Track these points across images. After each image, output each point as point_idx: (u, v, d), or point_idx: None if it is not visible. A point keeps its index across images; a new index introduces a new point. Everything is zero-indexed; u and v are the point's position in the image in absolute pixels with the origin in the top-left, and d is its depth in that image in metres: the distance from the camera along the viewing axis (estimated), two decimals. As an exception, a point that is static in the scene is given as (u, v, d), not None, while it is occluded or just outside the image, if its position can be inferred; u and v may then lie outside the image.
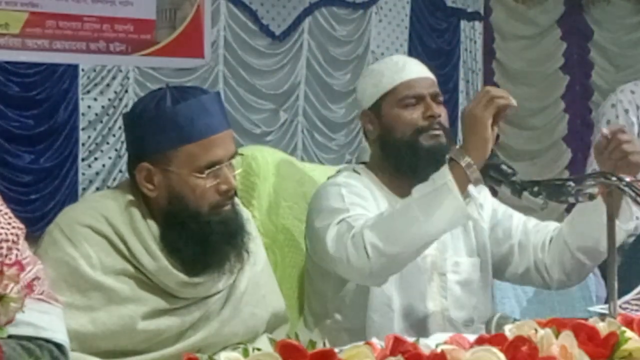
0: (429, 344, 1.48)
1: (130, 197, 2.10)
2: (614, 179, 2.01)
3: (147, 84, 5.99)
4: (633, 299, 2.39)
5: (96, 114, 6.00)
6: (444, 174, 2.16)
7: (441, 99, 2.50)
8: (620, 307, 2.05)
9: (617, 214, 2.29)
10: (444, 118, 2.46)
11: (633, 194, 1.99)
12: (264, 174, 2.61)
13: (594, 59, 8.02)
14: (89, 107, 5.98)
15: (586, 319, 1.64)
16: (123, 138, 5.32)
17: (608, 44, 8.03)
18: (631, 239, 2.95)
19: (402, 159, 2.44)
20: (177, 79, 6.03)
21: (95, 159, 6.02)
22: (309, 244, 2.47)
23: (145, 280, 2.06)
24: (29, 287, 1.67)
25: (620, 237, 2.31)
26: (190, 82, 6.04)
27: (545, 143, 7.85)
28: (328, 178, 2.52)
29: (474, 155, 2.15)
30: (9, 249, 1.71)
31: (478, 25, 7.62)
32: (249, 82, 6.53)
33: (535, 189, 2.10)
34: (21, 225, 1.78)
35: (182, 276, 2.06)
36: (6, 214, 1.77)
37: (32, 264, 1.78)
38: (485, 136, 2.15)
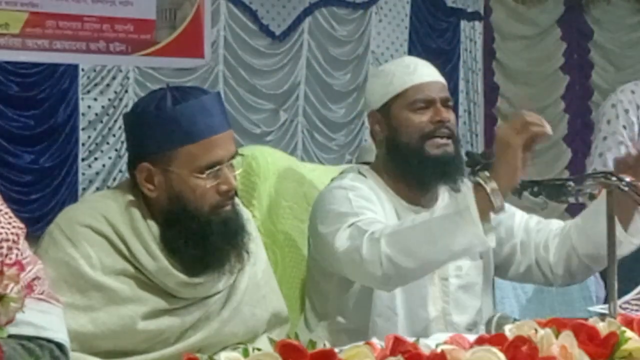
0: (429, 344, 1.48)
1: (130, 197, 2.10)
2: (614, 179, 2.01)
3: (147, 84, 5.99)
4: (633, 299, 2.39)
5: (96, 114, 6.00)
6: (468, 198, 2.10)
7: (451, 103, 2.49)
8: (620, 307, 2.06)
9: (627, 226, 2.29)
10: (452, 123, 2.44)
11: (633, 194, 1.99)
12: (264, 174, 2.61)
13: (594, 59, 8.03)
14: (89, 107, 5.98)
15: (586, 319, 1.64)
16: (123, 138, 5.34)
17: (608, 44, 8.03)
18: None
19: (407, 165, 2.42)
20: (177, 79, 6.03)
21: (95, 159, 6.02)
22: (314, 246, 2.46)
23: (145, 281, 2.06)
24: (29, 287, 1.67)
25: (629, 249, 2.31)
26: (190, 82, 6.04)
27: (545, 143, 7.84)
28: (332, 180, 2.50)
29: (501, 182, 2.08)
30: (9, 248, 1.71)
31: (478, 25, 7.62)
32: (249, 82, 6.53)
33: (535, 189, 2.10)
34: (21, 225, 1.78)
35: (182, 276, 2.06)
36: (6, 213, 1.76)
37: (33, 263, 1.77)
38: (514, 164, 2.08)
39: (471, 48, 7.55)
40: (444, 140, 2.40)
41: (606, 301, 2.01)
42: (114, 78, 6.05)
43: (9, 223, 1.75)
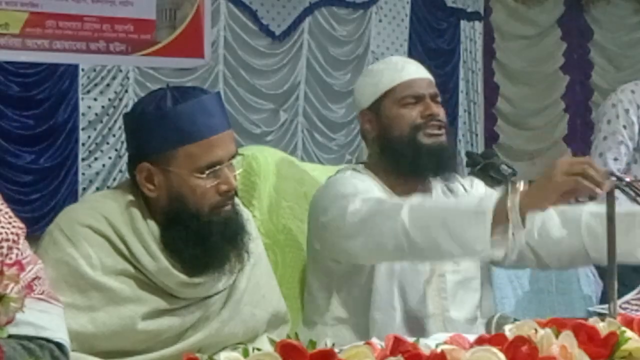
0: (429, 344, 1.48)
1: (130, 197, 2.10)
2: (614, 179, 2.01)
3: (147, 84, 5.99)
4: (633, 299, 2.40)
5: (96, 114, 6.00)
6: (489, 201, 2.08)
7: (439, 99, 2.52)
8: (620, 307, 2.06)
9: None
10: (443, 117, 2.48)
11: (633, 194, 1.99)
12: (264, 174, 2.61)
13: (594, 59, 8.03)
14: (89, 107, 5.98)
15: (586, 319, 1.64)
16: (123, 138, 5.33)
17: (608, 44, 8.03)
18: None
19: (401, 158, 2.45)
20: (177, 79, 6.04)
21: (95, 159, 6.02)
22: (317, 239, 2.45)
23: (146, 281, 2.06)
24: (29, 286, 1.67)
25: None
26: (190, 82, 6.04)
27: (545, 143, 7.85)
28: (328, 178, 2.53)
29: (527, 202, 2.04)
30: (9, 248, 1.71)
31: (478, 25, 7.62)
32: (249, 82, 6.53)
33: (535, 189, 2.10)
34: (21, 225, 1.78)
35: (182, 276, 2.06)
36: (6, 213, 1.77)
37: (32, 263, 1.77)
38: (548, 197, 2.04)
39: (471, 48, 7.55)
40: (436, 131, 2.44)
41: (605, 301, 2.01)
42: (114, 78, 6.05)
43: (9, 223, 1.75)
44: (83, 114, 5.95)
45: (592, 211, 2.39)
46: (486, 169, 2.24)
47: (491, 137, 7.52)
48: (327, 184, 2.48)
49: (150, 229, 2.06)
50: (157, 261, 2.04)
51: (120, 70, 6.05)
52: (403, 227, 2.16)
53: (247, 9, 6.52)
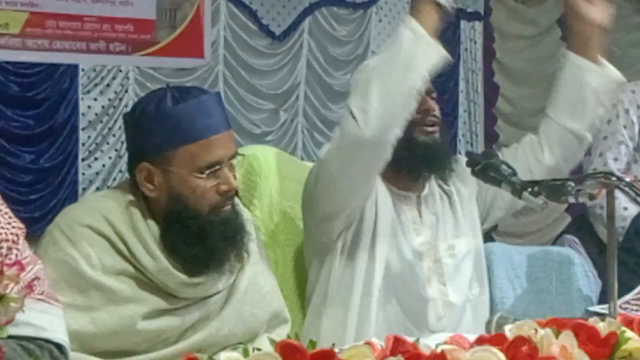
0: (429, 344, 1.49)
1: (130, 197, 2.10)
2: (614, 179, 2.01)
3: (147, 84, 5.99)
4: (633, 299, 2.40)
5: (96, 114, 6.00)
6: (410, 24, 2.27)
7: (435, 95, 2.58)
8: (620, 307, 2.06)
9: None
10: (438, 113, 2.54)
11: (633, 194, 1.99)
12: (265, 174, 2.61)
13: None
14: (89, 107, 5.97)
15: (586, 319, 1.64)
16: (123, 138, 5.33)
17: (608, 44, 8.02)
18: (620, 238, 2.96)
19: (397, 154, 2.46)
20: (177, 79, 6.03)
21: (95, 159, 6.01)
22: (309, 214, 2.47)
23: (146, 281, 2.06)
24: (29, 287, 1.67)
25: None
26: (190, 82, 6.03)
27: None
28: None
29: None
30: (9, 248, 1.71)
31: (478, 25, 7.61)
32: (249, 82, 6.52)
33: (535, 189, 2.11)
34: (21, 225, 1.78)
35: (182, 276, 2.06)
36: (6, 213, 1.77)
37: (32, 263, 1.77)
38: None
39: (471, 48, 7.54)
40: (431, 128, 2.50)
41: (605, 301, 2.01)
42: (114, 78, 6.04)
43: (9, 223, 1.75)
44: (83, 114, 5.95)
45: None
46: (486, 169, 2.24)
47: (491, 137, 7.51)
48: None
49: (150, 229, 2.06)
50: (157, 261, 2.05)
51: (120, 70, 6.05)
52: (360, 110, 2.24)
53: (247, 9, 6.52)
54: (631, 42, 8.04)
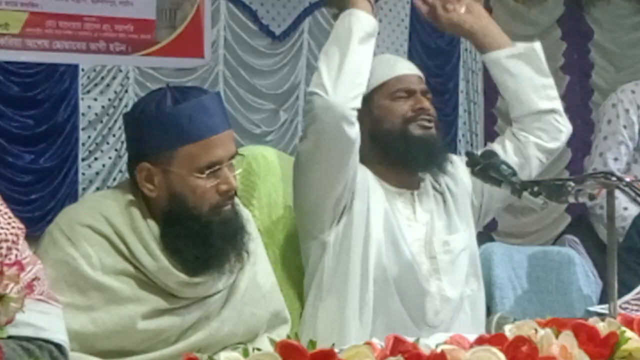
0: (429, 344, 1.49)
1: (130, 197, 2.10)
2: (614, 179, 2.01)
3: (147, 84, 5.98)
4: (633, 299, 2.40)
5: (96, 114, 6.00)
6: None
7: (430, 96, 2.61)
8: (620, 307, 2.06)
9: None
10: (433, 112, 2.57)
11: (633, 194, 1.99)
12: (264, 174, 2.61)
13: (594, 59, 8.01)
14: (89, 107, 5.97)
15: (586, 319, 1.64)
16: (123, 138, 5.33)
17: (608, 44, 8.02)
18: (620, 238, 2.96)
19: (392, 149, 2.53)
20: (177, 79, 6.03)
21: (95, 159, 6.01)
22: (299, 206, 2.51)
23: (146, 280, 2.06)
24: (29, 287, 1.67)
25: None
26: (190, 82, 6.03)
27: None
28: None
29: None
30: (9, 249, 1.71)
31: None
32: (249, 82, 6.52)
33: (535, 189, 2.11)
34: (21, 225, 1.78)
35: (183, 276, 2.06)
36: (6, 213, 1.77)
37: (32, 264, 1.77)
38: None
39: (471, 48, 7.53)
40: (427, 124, 2.54)
41: (606, 301, 2.01)
42: (114, 78, 6.04)
43: (9, 223, 1.75)
44: (83, 114, 5.94)
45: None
46: (486, 169, 2.24)
47: (491, 137, 7.49)
48: None
49: (150, 229, 2.06)
50: (157, 261, 2.05)
51: (120, 70, 6.05)
52: (319, 78, 2.34)
53: (247, 9, 6.52)
54: (631, 42, 8.04)
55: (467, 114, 7.48)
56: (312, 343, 1.42)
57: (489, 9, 7.72)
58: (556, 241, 3.99)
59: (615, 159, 3.61)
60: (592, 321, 1.61)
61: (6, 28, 5.61)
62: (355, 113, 2.36)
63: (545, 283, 3.38)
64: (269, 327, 2.24)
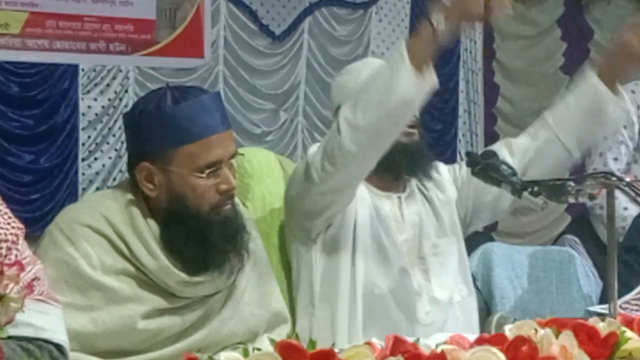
0: (429, 344, 1.48)
1: (130, 196, 2.10)
2: (614, 179, 2.01)
3: (147, 84, 5.98)
4: (633, 299, 2.40)
5: (96, 114, 6.00)
6: (402, 48, 2.22)
7: None
8: (620, 307, 2.06)
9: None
10: (417, 114, 2.54)
11: (633, 194, 1.99)
12: (257, 176, 2.60)
13: (594, 59, 8.01)
14: (89, 107, 5.97)
15: (586, 319, 1.64)
16: (123, 138, 5.33)
17: (608, 44, 8.02)
18: (620, 238, 2.96)
19: None
20: (177, 79, 6.03)
21: (95, 159, 6.01)
22: (290, 210, 2.49)
23: (146, 280, 2.06)
24: (29, 287, 1.67)
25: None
26: (190, 82, 6.03)
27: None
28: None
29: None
30: (9, 249, 1.71)
31: (478, 25, 7.60)
32: (249, 82, 6.52)
33: (535, 189, 2.10)
34: (21, 225, 1.78)
35: (183, 275, 2.06)
36: (5, 213, 1.77)
37: (32, 264, 1.77)
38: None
39: (471, 48, 7.54)
40: (410, 130, 2.51)
41: (606, 301, 2.01)
42: (114, 78, 6.04)
43: (8, 223, 1.75)
44: (83, 114, 5.95)
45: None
46: (486, 169, 2.24)
47: (491, 137, 7.51)
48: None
49: (150, 228, 2.06)
50: (157, 260, 2.05)
51: (120, 70, 6.05)
52: (345, 121, 2.24)
53: (247, 9, 6.51)
54: (631, 42, 8.02)
55: (467, 114, 7.48)
56: (312, 343, 1.42)
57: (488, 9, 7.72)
58: (556, 241, 3.98)
59: (615, 159, 3.61)
60: (592, 321, 1.61)
61: (6, 28, 5.61)
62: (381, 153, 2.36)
63: (545, 283, 3.38)
64: (269, 327, 2.24)
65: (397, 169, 2.53)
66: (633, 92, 3.66)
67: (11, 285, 1.47)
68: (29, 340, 1.72)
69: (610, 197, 2.00)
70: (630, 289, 2.56)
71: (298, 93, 6.77)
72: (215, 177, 2.06)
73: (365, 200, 2.52)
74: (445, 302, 2.52)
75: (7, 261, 1.66)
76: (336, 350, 1.40)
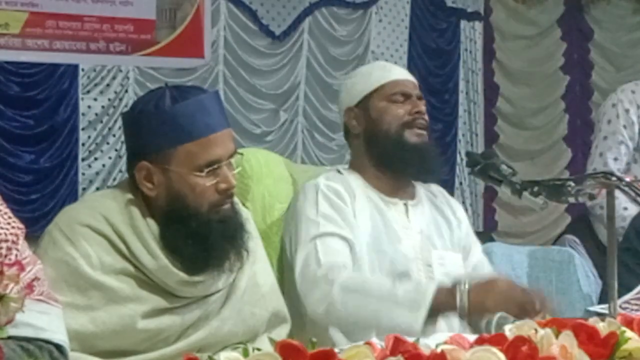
0: (429, 344, 1.48)
1: (129, 196, 2.10)
2: (614, 179, 2.01)
3: (147, 84, 5.99)
4: (633, 299, 2.40)
5: (96, 114, 6.00)
6: (429, 291, 2.23)
7: (424, 102, 2.62)
8: (620, 307, 2.06)
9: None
10: (427, 117, 2.58)
11: (633, 194, 1.99)
12: (257, 177, 2.60)
13: (594, 59, 8.02)
14: (89, 107, 5.98)
15: (586, 319, 1.64)
16: (123, 138, 5.33)
17: (608, 44, 8.03)
18: (620, 238, 2.96)
19: (387, 154, 2.53)
20: (177, 79, 6.03)
21: (95, 159, 6.02)
22: (286, 245, 2.51)
23: (145, 279, 2.06)
24: (29, 287, 1.67)
25: None
26: (190, 82, 6.03)
27: (545, 143, 7.84)
28: (305, 184, 2.57)
29: (472, 306, 2.19)
30: (9, 249, 1.71)
31: (478, 25, 7.61)
32: (249, 82, 6.53)
33: (535, 189, 2.11)
34: (21, 225, 1.78)
35: (182, 275, 2.06)
36: (5, 213, 1.76)
37: (32, 264, 1.77)
38: (490, 309, 2.14)
39: (471, 48, 7.54)
40: (421, 131, 2.54)
41: (606, 301, 2.01)
42: (114, 78, 6.04)
43: (8, 223, 1.74)
44: (83, 114, 5.95)
45: None
46: (486, 169, 2.24)
47: (491, 137, 7.51)
48: (302, 188, 2.53)
49: (149, 228, 2.06)
50: (156, 260, 2.04)
51: (120, 70, 6.05)
52: (332, 305, 2.28)
53: (247, 9, 6.52)
54: (631, 42, 8.04)
55: (467, 114, 7.48)
56: (312, 343, 1.42)
57: (489, 9, 7.75)
58: (556, 241, 3.98)
59: (615, 159, 3.61)
60: (592, 321, 1.61)
61: (6, 28, 5.62)
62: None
63: (545, 283, 3.38)
64: (268, 327, 2.24)
65: (407, 170, 2.53)
66: (633, 92, 3.67)
67: (11, 285, 1.47)
68: (29, 340, 1.71)
69: (610, 197, 2.00)
70: (628, 289, 2.56)
71: (298, 93, 6.77)
72: (215, 176, 2.06)
73: (370, 203, 2.51)
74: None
75: (7, 261, 1.66)
76: (336, 350, 1.40)
